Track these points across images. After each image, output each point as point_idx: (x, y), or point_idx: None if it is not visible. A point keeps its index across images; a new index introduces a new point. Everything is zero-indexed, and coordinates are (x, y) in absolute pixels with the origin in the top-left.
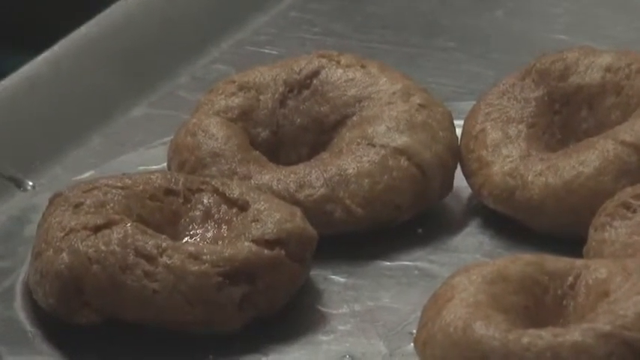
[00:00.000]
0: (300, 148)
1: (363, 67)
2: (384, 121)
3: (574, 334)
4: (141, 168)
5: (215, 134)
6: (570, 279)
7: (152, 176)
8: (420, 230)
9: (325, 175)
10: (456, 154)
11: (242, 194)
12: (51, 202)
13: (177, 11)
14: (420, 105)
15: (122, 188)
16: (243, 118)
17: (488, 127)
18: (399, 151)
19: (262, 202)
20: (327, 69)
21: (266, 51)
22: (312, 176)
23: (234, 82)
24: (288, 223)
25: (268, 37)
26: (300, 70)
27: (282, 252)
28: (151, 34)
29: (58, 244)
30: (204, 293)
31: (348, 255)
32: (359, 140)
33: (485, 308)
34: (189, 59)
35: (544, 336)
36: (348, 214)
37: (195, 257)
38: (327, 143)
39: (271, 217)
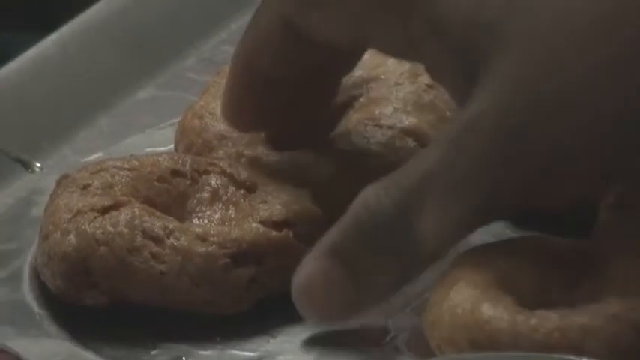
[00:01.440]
0: None
1: None
2: (391, 102)
3: (583, 316)
4: (148, 150)
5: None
6: (577, 259)
7: (159, 158)
8: None
9: None
10: None
11: (250, 176)
12: (58, 183)
13: None
14: (427, 85)
15: (130, 170)
16: None
17: None
18: (407, 132)
19: (270, 184)
20: None
21: None
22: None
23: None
24: (296, 205)
25: None
26: None
27: (290, 233)
28: (159, 15)
29: (65, 225)
30: (212, 274)
31: None
32: (366, 122)
33: (492, 289)
34: (197, 41)
35: (552, 317)
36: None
37: (202, 239)
38: (335, 124)
39: (279, 199)
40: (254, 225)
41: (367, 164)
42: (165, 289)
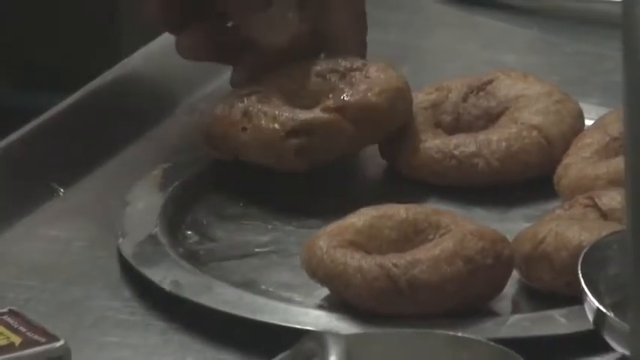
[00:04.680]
0: (472, 131)
1: (524, 77)
2: (528, 109)
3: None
4: None
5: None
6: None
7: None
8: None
9: (476, 139)
10: (578, 134)
11: (376, 70)
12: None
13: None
14: (556, 101)
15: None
16: (434, 107)
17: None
18: (534, 127)
19: (376, 78)
20: (500, 79)
21: None
22: (468, 140)
23: (433, 87)
24: (359, 94)
25: None
26: (481, 79)
27: (339, 116)
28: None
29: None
30: (272, 143)
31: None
32: (508, 121)
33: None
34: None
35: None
36: (488, 166)
37: (273, 118)
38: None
39: (355, 88)
40: (315, 109)
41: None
42: (247, 151)
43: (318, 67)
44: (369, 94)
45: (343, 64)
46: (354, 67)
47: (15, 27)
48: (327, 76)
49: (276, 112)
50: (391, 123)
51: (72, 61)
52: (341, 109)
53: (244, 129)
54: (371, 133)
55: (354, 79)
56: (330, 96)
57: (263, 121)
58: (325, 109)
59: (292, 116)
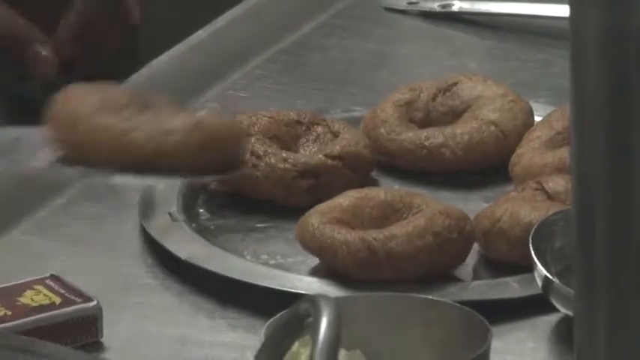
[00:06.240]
0: (440, 125)
1: (484, 80)
2: (487, 107)
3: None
4: None
5: (389, 112)
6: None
7: (290, 112)
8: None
9: (443, 132)
10: (528, 128)
11: (340, 128)
12: None
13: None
14: (510, 100)
15: (269, 117)
16: (408, 105)
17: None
18: (492, 122)
19: (347, 133)
20: (463, 81)
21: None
22: (436, 133)
23: (407, 87)
24: (352, 147)
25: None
26: (447, 81)
27: (340, 163)
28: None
29: None
30: (285, 181)
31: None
32: (470, 118)
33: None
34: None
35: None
36: (454, 155)
37: (285, 160)
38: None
39: (342, 142)
40: (320, 156)
41: (463, 137)
42: (258, 187)
43: (282, 118)
44: (359, 146)
45: (304, 117)
46: (316, 121)
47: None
48: (294, 127)
49: (284, 155)
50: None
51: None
52: (340, 157)
53: (254, 166)
54: (362, 177)
55: (322, 132)
56: (318, 145)
57: (274, 161)
58: (328, 156)
59: (302, 159)
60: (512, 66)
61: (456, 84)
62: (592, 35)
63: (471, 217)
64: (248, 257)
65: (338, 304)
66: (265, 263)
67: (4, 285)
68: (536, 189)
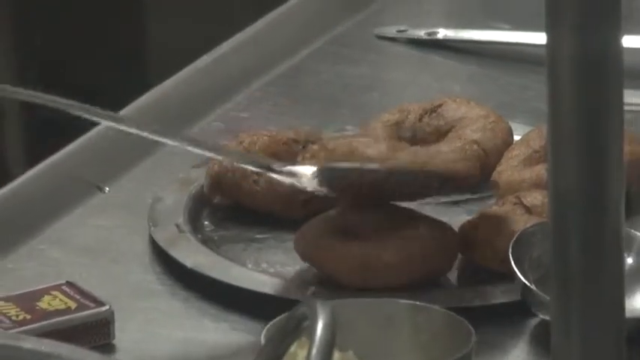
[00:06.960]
0: (427, 144)
1: (467, 102)
2: (470, 128)
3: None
4: None
5: (379, 131)
6: None
7: (289, 131)
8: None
9: (428, 151)
10: (508, 147)
11: (334, 146)
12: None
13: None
14: (492, 121)
15: (269, 136)
16: (396, 125)
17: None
18: (474, 142)
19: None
20: (448, 103)
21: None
22: (421, 152)
23: (396, 109)
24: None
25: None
26: (433, 103)
27: None
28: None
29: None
30: (283, 195)
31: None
32: (454, 137)
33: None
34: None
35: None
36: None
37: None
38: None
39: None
40: None
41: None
42: (258, 200)
43: (281, 137)
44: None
45: (301, 136)
46: (312, 139)
47: (59, 50)
48: (292, 145)
49: None
50: None
51: (106, 86)
52: None
53: (255, 182)
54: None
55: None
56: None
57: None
58: None
59: None
60: (493, 89)
61: (441, 106)
62: (566, 60)
63: (455, 228)
64: (249, 266)
65: (333, 309)
66: (265, 271)
67: (23, 291)
68: (515, 203)
